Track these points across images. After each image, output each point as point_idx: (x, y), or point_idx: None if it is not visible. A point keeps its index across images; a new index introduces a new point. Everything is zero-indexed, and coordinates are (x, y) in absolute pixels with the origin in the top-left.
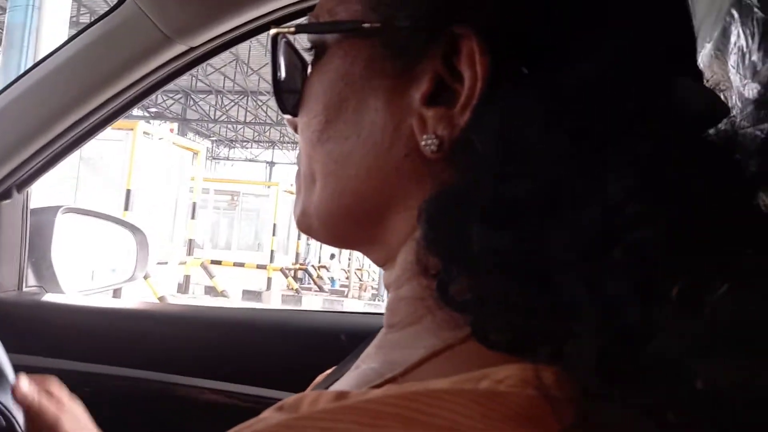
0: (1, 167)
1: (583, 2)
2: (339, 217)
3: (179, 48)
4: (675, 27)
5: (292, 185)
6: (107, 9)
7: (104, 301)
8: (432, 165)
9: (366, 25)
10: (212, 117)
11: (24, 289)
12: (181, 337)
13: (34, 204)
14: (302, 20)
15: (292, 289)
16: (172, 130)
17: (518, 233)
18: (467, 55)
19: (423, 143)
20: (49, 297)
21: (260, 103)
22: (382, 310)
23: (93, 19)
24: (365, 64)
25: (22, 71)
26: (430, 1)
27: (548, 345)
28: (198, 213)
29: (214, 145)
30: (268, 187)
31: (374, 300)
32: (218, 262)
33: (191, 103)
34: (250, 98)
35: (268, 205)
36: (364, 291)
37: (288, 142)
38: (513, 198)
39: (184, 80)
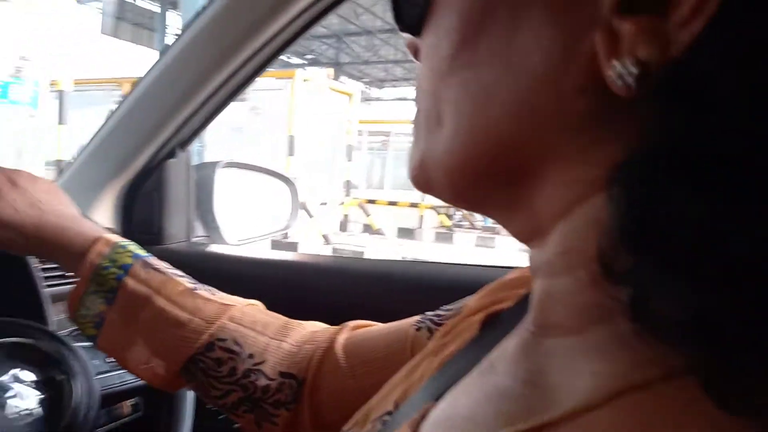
0: (165, 130)
1: None
2: (472, 173)
3: None
4: None
5: None
6: None
7: (263, 251)
8: (622, 105)
9: None
10: (363, 59)
11: (192, 239)
12: (335, 288)
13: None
14: None
15: (445, 226)
16: (329, 76)
17: None
18: None
19: (613, 72)
20: (215, 247)
21: None
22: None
23: None
24: None
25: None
26: None
27: None
28: (353, 154)
29: (366, 86)
30: None
31: None
32: (373, 202)
33: (344, 46)
34: (399, 36)
35: None
36: None
37: None
38: None
39: (335, 24)
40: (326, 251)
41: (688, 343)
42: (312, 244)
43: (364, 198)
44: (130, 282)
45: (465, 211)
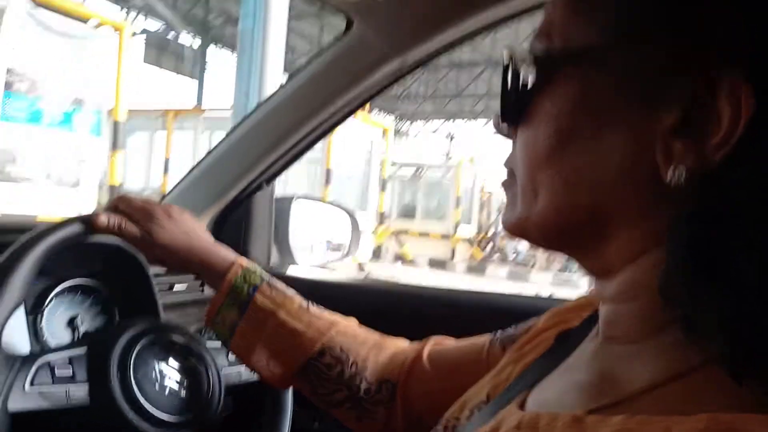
0: (257, 168)
1: None
2: (562, 230)
3: (397, 62)
4: None
5: (472, 159)
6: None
7: (331, 275)
8: (673, 191)
9: (609, 53)
10: (396, 93)
11: (270, 264)
12: (389, 312)
13: None
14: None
15: (476, 258)
16: (363, 109)
17: None
18: (730, 93)
19: (669, 173)
20: (290, 271)
21: (440, 77)
22: (574, 285)
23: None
24: (606, 92)
25: (252, 72)
26: (686, 32)
27: None
28: (386, 185)
29: (397, 119)
30: (448, 159)
31: (564, 271)
32: (405, 232)
33: None
34: (430, 72)
35: (451, 176)
36: (553, 262)
37: (467, 112)
38: None
39: None
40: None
41: (719, 344)
42: (347, 271)
43: (396, 228)
44: (259, 298)
45: (498, 244)
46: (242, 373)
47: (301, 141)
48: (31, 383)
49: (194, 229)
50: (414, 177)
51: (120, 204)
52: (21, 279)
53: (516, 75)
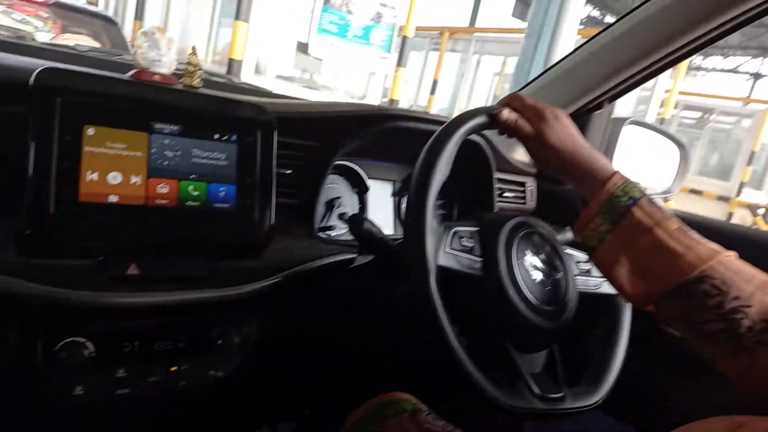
0: (603, 85)
1: None
2: None
3: None
4: None
5: None
6: None
7: None
8: None
9: None
10: None
11: None
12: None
13: None
14: None
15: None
16: None
17: None
18: None
19: None
20: None
21: None
22: None
23: None
24: None
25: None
26: None
27: None
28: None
29: None
30: (745, 104)
31: None
32: None
33: None
34: None
35: (747, 127)
36: None
37: None
38: None
39: None
40: None
41: None
42: None
43: None
44: (637, 212)
45: None
46: (588, 282)
47: (654, 64)
48: (450, 246)
49: (578, 135)
50: (698, 122)
51: (513, 102)
52: (447, 158)
53: None
